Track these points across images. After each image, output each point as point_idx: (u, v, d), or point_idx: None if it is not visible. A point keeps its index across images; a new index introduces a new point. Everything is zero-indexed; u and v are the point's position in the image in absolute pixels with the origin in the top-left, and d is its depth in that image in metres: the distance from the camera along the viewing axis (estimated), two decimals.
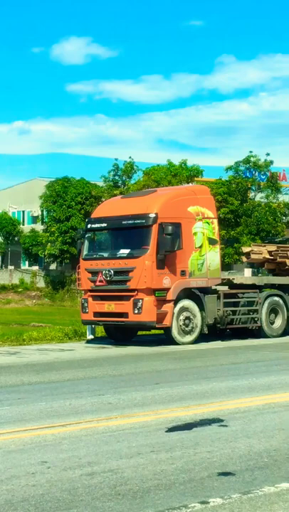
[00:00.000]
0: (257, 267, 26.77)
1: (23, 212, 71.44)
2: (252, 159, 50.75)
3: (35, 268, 66.66)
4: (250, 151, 51.62)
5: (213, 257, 22.65)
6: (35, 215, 67.91)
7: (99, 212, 23.92)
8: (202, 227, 22.37)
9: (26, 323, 28.75)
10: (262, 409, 10.80)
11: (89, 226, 23.14)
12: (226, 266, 40.26)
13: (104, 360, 18.41)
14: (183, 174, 51.35)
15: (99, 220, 22.95)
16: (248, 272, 25.63)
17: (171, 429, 9.34)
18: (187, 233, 21.90)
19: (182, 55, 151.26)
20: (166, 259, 21.10)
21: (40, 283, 62.38)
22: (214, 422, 9.74)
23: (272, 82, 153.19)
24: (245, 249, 27.71)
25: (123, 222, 21.89)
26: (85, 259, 22.65)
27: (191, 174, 52.03)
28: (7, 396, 12.56)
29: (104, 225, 22.65)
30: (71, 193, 57.29)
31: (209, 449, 8.27)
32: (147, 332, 23.78)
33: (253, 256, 26.09)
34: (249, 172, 51.65)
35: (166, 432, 9.23)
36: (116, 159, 54.95)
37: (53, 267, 64.01)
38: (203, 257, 22.24)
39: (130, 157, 54.76)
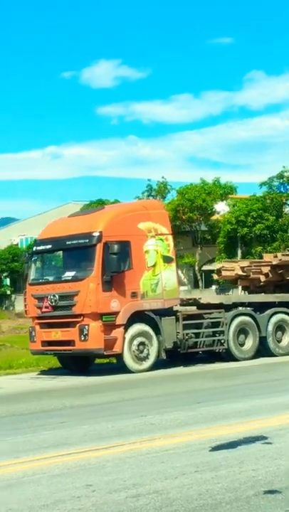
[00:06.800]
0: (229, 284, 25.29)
1: None
2: (285, 174, 50.50)
3: None
4: (284, 166, 51.31)
5: (169, 276, 20.98)
6: None
7: (45, 233, 22.19)
8: (155, 245, 20.76)
9: None
10: None
11: (34, 248, 21.92)
12: None
13: (144, 382, 18.37)
14: (217, 192, 51.26)
15: (44, 241, 21.55)
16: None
17: (214, 448, 9.28)
18: (138, 251, 20.35)
19: (211, 73, 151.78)
20: (113, 281, 19.66)
21: None
22: (258, 440, 9.66)
23: None
24: (217, 265, 26.17)
25: (67, 243, 20.56)
26: (31, 284, 21.36)
27: (225, 192, 51.92)
28: (50, 420, 12.59)
29: (49, 246, 21.26)
30: None
31: (254, 467, 8.20)
32: (107, 360, 22.13)
33: (224, 273, 24.23)
34: (283, 187, 51.35)
35: (210, 451, 9.17)
36: (149, 180, 54.90)
37: None
38: (158, 276, 20.61)
39: (163, 177, 54.71)
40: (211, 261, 49.24)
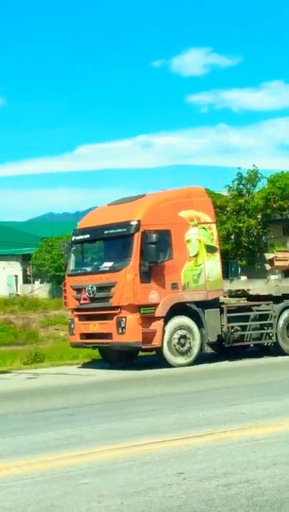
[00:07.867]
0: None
1: None
2: None
3: None
4: None
5: (212, 266, 20.09)
6: None
7: (84, 222, 21.69)
8: (197, 234, 19.92)
9: None
10: None
11: (73, 238, 21.16)
12: None
13: (236, 371, 18.31)
14: None
15: (82, 231, 20.96)
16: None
17: None
18: (178, 241, 19.57)
19: None
20: (152, 272, 19.01)
21: None
22: None
23: None
24: (269, 255, 25.19)
25: (105, 232, 19.97)
26: (70, 275, 20.82)
27: None
28: (141, 408, 12.68)
29: (87, 236, 20.65)
30: None
31: None
32: (149, 353, 20.80)
33: (276, 263, 23.27)
34: None
35: None
36: (239, 168, 54.64)
37: None
38: (200, 266, 19.76)
39: (254, 165, 54.35)
40: None
